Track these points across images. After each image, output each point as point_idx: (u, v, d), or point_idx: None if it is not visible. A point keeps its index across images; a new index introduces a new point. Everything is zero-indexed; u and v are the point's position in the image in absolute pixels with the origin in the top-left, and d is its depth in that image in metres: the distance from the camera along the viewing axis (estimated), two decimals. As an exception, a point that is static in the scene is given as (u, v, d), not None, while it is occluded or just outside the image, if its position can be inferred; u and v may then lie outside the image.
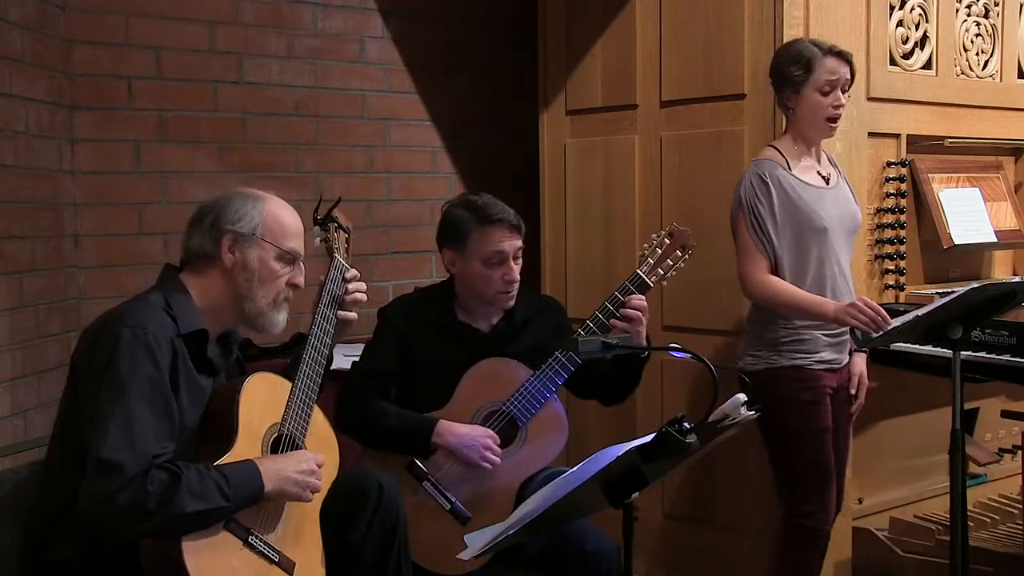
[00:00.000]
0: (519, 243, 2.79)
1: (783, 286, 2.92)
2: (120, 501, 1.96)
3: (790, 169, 2.97)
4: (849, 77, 2.99)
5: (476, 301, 2.83)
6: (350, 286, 2.44)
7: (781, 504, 3.08)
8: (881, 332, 2.78)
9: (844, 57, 2.98)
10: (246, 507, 2.12)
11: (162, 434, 2.06)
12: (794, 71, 2.95)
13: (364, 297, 2.46)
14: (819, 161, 3.08)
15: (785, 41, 3.25)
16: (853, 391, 3.15)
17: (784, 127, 3.09)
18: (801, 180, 2.98)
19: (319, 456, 2.27)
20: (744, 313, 3.32)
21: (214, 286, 2.25)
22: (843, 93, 2.98)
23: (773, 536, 3.25)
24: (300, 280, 2.32)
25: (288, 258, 2.28)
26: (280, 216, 2.28)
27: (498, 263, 2.75)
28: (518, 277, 2.79)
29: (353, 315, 2.44)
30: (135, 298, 2.23)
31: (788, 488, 3.04)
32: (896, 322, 2.79)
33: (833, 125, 3.00)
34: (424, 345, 2.80)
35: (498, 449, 2.70)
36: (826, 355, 3.00)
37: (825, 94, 2.95)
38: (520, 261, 2.81)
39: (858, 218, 3.12)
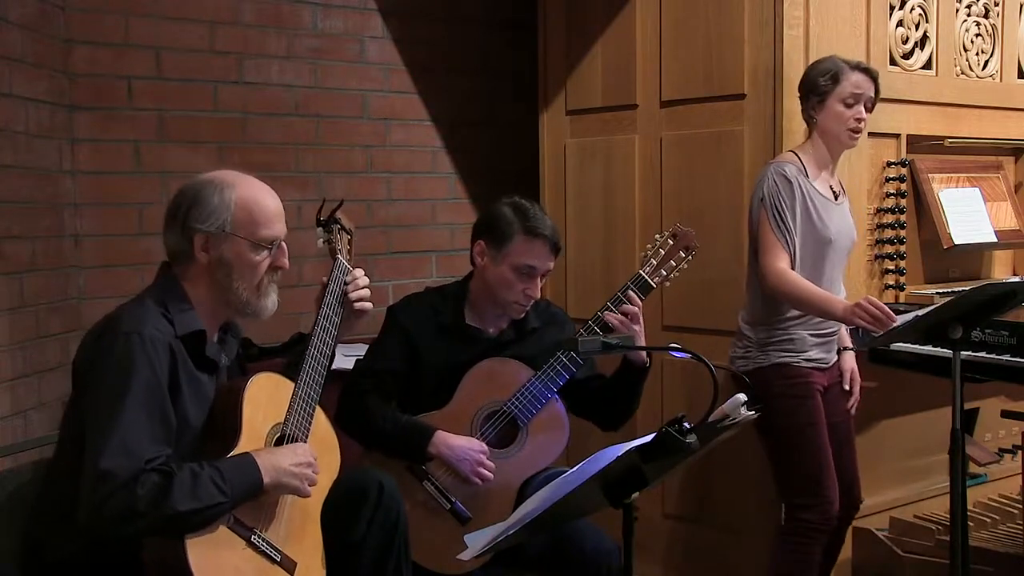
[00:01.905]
0: (551, 266, 2.81)
1: (801, 281, 2.95)
2: (111, 506, 1.96)
3: (806, 176, 3.03)
4: (873, 95, 3.06)
5: (488, 303, 2.83)
6: (355, 293, 2.42)
7: (782, 501, 3.10)
8: (882, 332, 2.79)
9: (871, 74, 3.06)
10: (246, 501, 2.11)
11: (157, 439, 2.05)
12: (821, 80, 3.02)
13: (370, 306, 2.45)
14: (832, 176, 3.14)
15: (785, 41, 3.27)
16: (847, 387, 3.19)
17: (805, 137, 3.12)
18: (816, 189, 3.03)
19: (313, 449, 2.26)
20: (744, 313, 3.33)
21: (198, 283, 2.23)
22: (866, 110, 3.05)
23: (773, 535, 3.25)
24: (284, 262, 2.27)
25: (264, 246, 2.23)
26: (251, 205, 2.22)
27: (526, 276, 2.76)
28: (539, 295, 2.81)
29: (368, 305, 2.43)
30: (132, 301, 2.22)
31: (785, 483, 3.08)
32: (896, 322, 2.79)
33: (855, 136, 3.06)
34: (429, 345, 2.80)
35: (491, 464, 2.70)
36: (813, 354, 3.05)
37: (848, 106, 3.01)
38: (543, 282, 2.82)
39: (855, 237, 3.18)
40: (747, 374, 3.03)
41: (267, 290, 2.26)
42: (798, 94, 3.13)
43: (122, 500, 1.96)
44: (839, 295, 3.08)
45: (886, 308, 2.80)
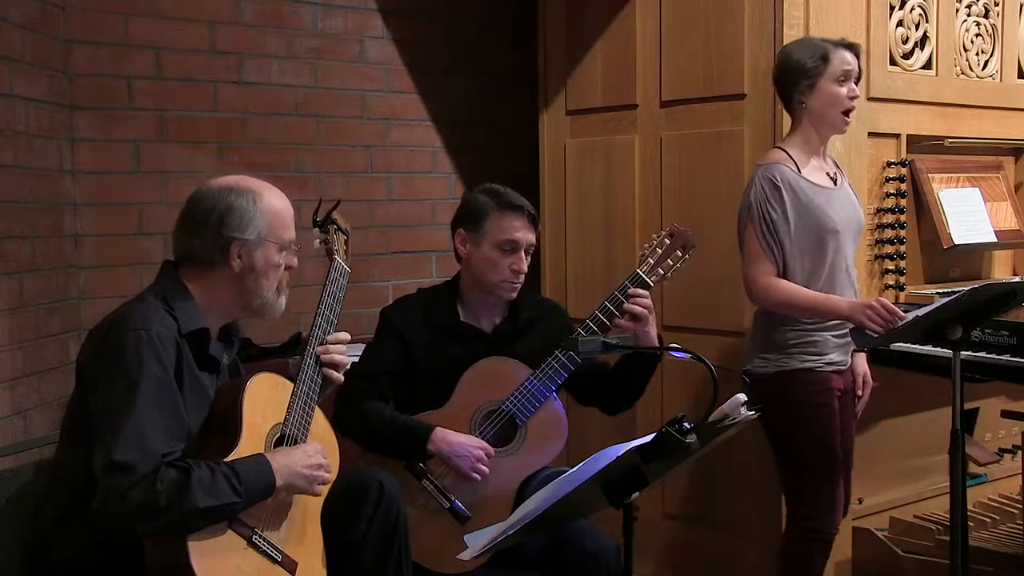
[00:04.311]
0: (532, 238, 2.81)
1: (791, 287, 2.90)
2: (132, 499, 1.97)
3: (799, 171, 2.94)
4: (858, 71, 2.98)
5: (480, 293, 2.83)
6: (331, 347, 2.39)
7: (787, 507, 3.06)
8: (884, 332, 2.77)
9: (855, 50, 2.98)
10: (258, 502, 2.13)
11: (171, 433, 2.07)
12: (810, 62, 2.92)
13: (346, 361, 2.43)
14: (825, 161, 3.06)
15: (785, 41, 3.24)
16: (859, 392, 3.13)
17: (790, 128, 3.05)
18: (811, 182, 2.94)
19: (324, 448, 2.29)
20: (746, 313, 3.32)
21: (220, 288, 2.25)
22: (855, 85, 2.97)
23: (773, 537, 3.25)
24: (295, 261, 2.33)
25: (288, 247, 2.30)
26: (277, 210, 2.28)
27: (510, 251, 2.76)
28: (526, 269, 2.80)
29: (339, 376, 2.41)
30: (136, 299, 2.23)
31: (795, 491, 3.02)
32: (902, 321, 2.77)
33: (848, 119, 2.97)
34: (425, 345, 2.80)
35: (488, 460, 2.70)
36: (834, 356, 2.97)
37: (841, 84, 2.93)
38: (529, 258, 2.81)
39: (862, 220, 3.11)
40: (766, 377, 2.94)
41: (283, 290, 2.32)
42: (777, 83, 3.03)
43: (142, 494, 1.97)
44: (854, 282, 3.03)
45: (898, 311, 2.75)
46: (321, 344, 2.37)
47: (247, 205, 2.24)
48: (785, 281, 2.91)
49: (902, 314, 2.75)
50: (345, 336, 2.43)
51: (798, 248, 2.92)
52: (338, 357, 2.41)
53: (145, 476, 1.98)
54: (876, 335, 2.78)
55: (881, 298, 2.84)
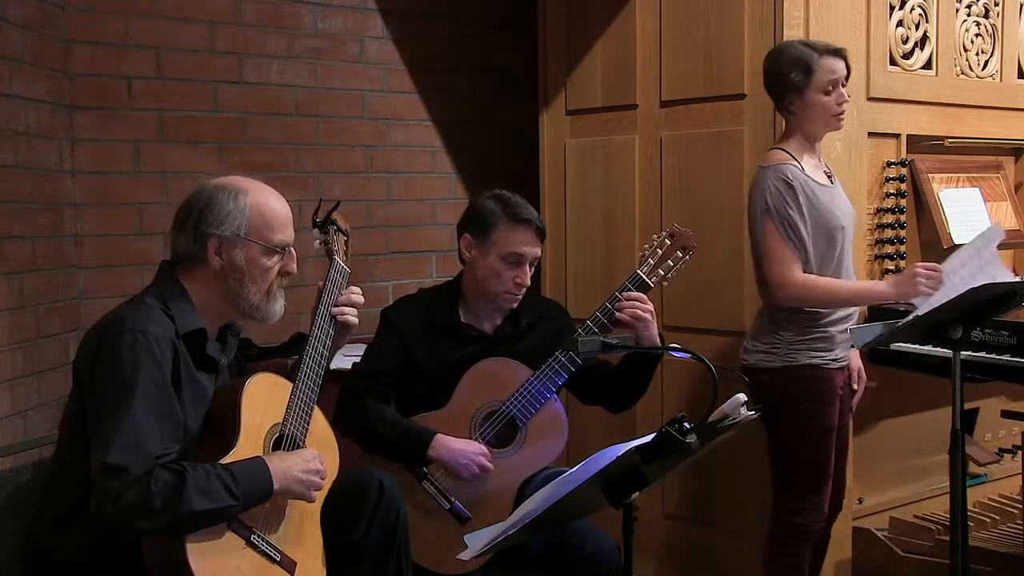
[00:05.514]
0: (538, 251, 2.81)
1: (827, 281, 2.91)
2: (126, 500, 1.97)
3: (803, 171, 2.96)
4: (846, 72, 2.99)
5: (481, 298, 2.83)
6: (343, 298, 2.41)
7: (774, 499, 3.07)
8: (881, 332, 2.78)
9: (840, 55, 2.98)
10: (256, 505, 2.12)
11: (166, 435, 2.06)
12: (794, 76, 2.94)
13: (354, 320, 2.43)
14: (820, 160, 3.08)
15: (785, 41, 3.24)
16: (854, 386, 3.15)
17: (785, 129, 3.06)
18: (816, 181, 2.97)
19: (321, 455, 2.28)
20: (745, 312, 3.32)
21: (207, 286, 2.24)
22: (843, 88, 2.98)
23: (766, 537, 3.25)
24: (292, 267, 2.29)
25: (277, 250, 2.26)
26: (264, 209, 2.24)
27: (514, 264, 2.76)
28: (528, 282, 2.80)
29: (353, 320, 2.42)
30: (133, 300, 2.23)
31: (786, 486, 3.04)
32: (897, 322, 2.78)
33: (842, 118, 3.00)
34: (426, 346, 2.80)
35: (490, 466, 2.70)
36: (838, 352, 2.99)
37: (828, 93, 2.94)
38: (533, 269, 2.82)
39: (855, 215, 3.12)
40: (771, 372, 2.94)
41: (276, 295, 2.28)
42: (767, 89, 3.04)
43: (136, 496, 1.97)
44: (851, 277, 3.05)
45: (935, 266, 2.83)
46: (322, 344, 2.37)
47: (227, 201, 2.21)
48: (821, 278, 2.93)
49: (940, 267, 2.83)
50: (358, 290, 2.45)
51: (812, 246, 2.93)
52: (351, 312, 2.42)
53: (139, 478, 1.97)
54: (927, 296, 2.81)
55: (914, 266, 2.89)
